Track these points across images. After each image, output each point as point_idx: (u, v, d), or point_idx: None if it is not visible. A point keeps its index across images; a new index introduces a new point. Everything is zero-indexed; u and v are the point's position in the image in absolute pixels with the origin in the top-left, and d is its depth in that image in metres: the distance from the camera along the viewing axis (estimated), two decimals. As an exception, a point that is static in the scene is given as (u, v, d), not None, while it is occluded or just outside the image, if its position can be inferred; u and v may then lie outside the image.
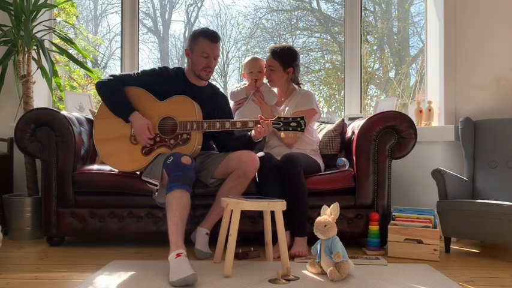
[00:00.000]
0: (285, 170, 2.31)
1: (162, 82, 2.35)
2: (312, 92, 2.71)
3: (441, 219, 2.36)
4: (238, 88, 2.69)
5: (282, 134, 2.17)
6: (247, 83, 2.66)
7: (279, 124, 2.16)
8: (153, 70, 2.41)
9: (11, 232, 2.65)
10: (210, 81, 2.53)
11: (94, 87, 2.37)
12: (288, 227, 2.27)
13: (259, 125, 2.18)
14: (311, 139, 2.63)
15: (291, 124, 2.14)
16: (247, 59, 2.71)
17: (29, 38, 2.69)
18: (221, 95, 2.53)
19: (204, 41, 2.32)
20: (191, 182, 2.06)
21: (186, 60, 2.45)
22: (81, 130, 2.60)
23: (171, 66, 2.47)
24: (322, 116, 3.25)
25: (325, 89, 4.86)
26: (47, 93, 3.22)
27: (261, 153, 2.40)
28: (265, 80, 2.71)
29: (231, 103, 2.68)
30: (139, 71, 2.42)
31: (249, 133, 2.36)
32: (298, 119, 2.14)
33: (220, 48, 2.41)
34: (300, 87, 2.71)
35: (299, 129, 2.14)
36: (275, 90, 2.71)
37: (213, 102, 2.44)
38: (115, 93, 2.29)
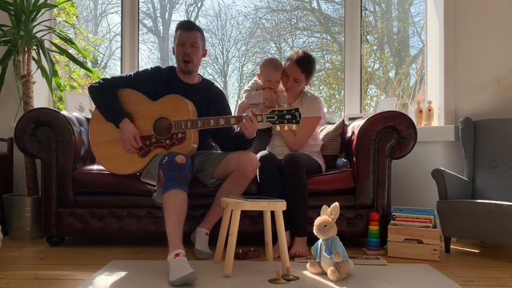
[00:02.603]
0: (288, 169, 2.30)
1: (155, 82, 2.35)
2: (319, 97, 2.66)
3: (441, 219, 2.36)
4: (257, 92, 2.61)
5: (278, 128, 2.15)
6: (264, 89, 2.60)
7: (274, 118, 2.14)
8: (145, 71, 2.41)
9: (11, 232, 2.65)
10: (204, 76, 2.52)
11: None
12: (288, 227, 2.27)
13: (243, 121, 2.16)
14: (314, 143, 2.64)
15: (286, 117, 2.12)
16: (268, 64, 2.58)
17: (29, 38, 2.69)
18: (215, 90, 2.50)
19: (180, 31, 2.35)
20: (187, 180, 2.06)
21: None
22: (81, 130, 2.60)
23: (165, 66, 2.46)
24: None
25: (325, 89, 4.86)
26: (47, 93, 3.22)
27: (262, 153, 2.40)
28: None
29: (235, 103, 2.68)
30: (131, 73, 2.41)
31: (241, 132, 2.35)
32: (293, 111, 2.11)
33: (200, 37, 2.36)
34: (304, 88, 2.70)
35: (294, 121, 2.11)
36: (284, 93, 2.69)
37: (207, 99, 2.42)
38: (106, 98, 2.30)
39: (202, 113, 2.31)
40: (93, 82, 2.38)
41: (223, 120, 2.20)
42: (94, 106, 2.38)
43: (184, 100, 2.26)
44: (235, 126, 2.38)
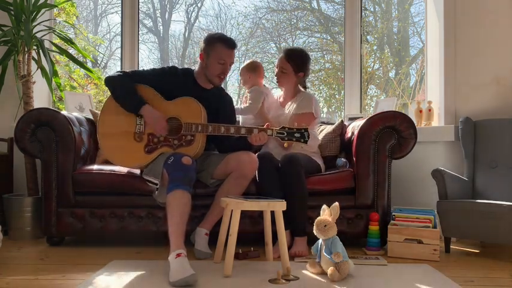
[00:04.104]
0: (286, 170, 2.30)
1: (170, 82, 2.35)
2: (314, 96, 2.68)
3: (441, 219, 2.36)
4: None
5: (285, 144, 2.17)
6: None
7: (283, 134, 2.16)
8: (162, 69, 2.41)
9: (11, 232, 2.65)
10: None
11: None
12: (288, 226, 2.27)
13: (256, 134, 2.17)
14: (312, 144, 2.62)
15: (295, 135, 2.15)
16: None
17: (29, 38, 2.69)
18: (226, 97, 2.52)
19: (222, 47, 2.30)
20: (191, 182, 2.06)
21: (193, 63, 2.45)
22: (81, 130, 2.60)
23: (170, 66, 2.46)
24: (322, 116, 3.25)
25: (325, 89, 4.87)
26: (47, 93, 3.23)
27: (261, 153, 2.40)
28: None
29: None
30: (148, 69, 2.42)
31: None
32: (302, 131, 2.15)
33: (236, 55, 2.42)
34: (305, 90, 2.70)
35: (302, 140, 2.14)
36: (278, 91, 2.72)
37: (218, 104, 2.44)
38: (125, 87, 2.28)
39: (211, 117, 2.33)
40: (109, 74, 2.39)
41: (233, 129, 2.21)
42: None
43: (199, 104, 2.27)
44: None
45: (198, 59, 2.42)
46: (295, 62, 2.59)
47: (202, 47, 2.38)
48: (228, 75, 2.41)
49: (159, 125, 2.22)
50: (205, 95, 2.37)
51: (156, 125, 2.22)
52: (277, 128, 2.18)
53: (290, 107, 2.62)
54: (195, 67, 2.46)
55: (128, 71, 2.38)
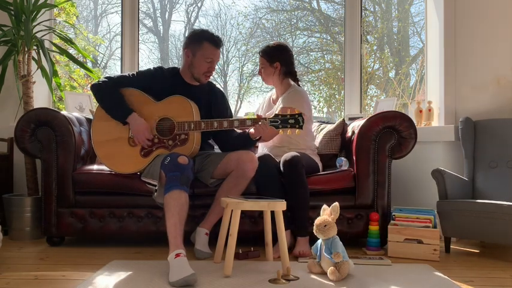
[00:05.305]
0: (288, 169, 2.30)
1: (158, 82, 2.34)
2: (304, 91, 2.64)
3: (441, 219, 2.36)
4: None
5: (281, 132, 2.15)
6: None
7: (277, 122, 2.13)
8: (148, 70, 2.40)
9: (11, 232, 2.65)
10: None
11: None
12: (289, 226, 2.27)
13: (260, 123, 2.17)
14: (305, 139, 2.60)
15: (289, 121, 2.12)
16: None
17: (29, 38, 2.69)
18: (217, 92, 2.50)
19: (209, 46, 2.29)
20: (189, 181, 2.06)
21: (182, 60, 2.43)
22: (81, 130, 2.60)
23: (168, 66, 2.46)
24: (322, 116, 3.25)
25: (325, 89, 4.86)
26: (47, 93, 3.23)
27: (260, 153, 2.40)
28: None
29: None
30: (134, 72, 2.41)
31: (247, 131, 2.35)
32: (296, 116, 2.11)
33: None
34: (298, 84, 2.69)
35: (297, 126, 2.11)
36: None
37: (209, 100, 2.43)
38: (111, 95, 2.27)
39: (204, 114, 2.32)
40: (95, 81, 2.36)
41: (226, 122, 2.20)
42: (95, 105, 2.38)
43: (188, 101, 2.26)
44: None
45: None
46: (268, 54, 2.61)
47: (186, 43, 2.35)
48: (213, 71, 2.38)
49: (142, 136, 2.22)
50: (194, 92, 2.36)
51: (139, 136, 2.23)
52: (271, 117, 2.15)
53: (279, 104, 2.61)
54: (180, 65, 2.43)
55: (113, 76, 2.35)
